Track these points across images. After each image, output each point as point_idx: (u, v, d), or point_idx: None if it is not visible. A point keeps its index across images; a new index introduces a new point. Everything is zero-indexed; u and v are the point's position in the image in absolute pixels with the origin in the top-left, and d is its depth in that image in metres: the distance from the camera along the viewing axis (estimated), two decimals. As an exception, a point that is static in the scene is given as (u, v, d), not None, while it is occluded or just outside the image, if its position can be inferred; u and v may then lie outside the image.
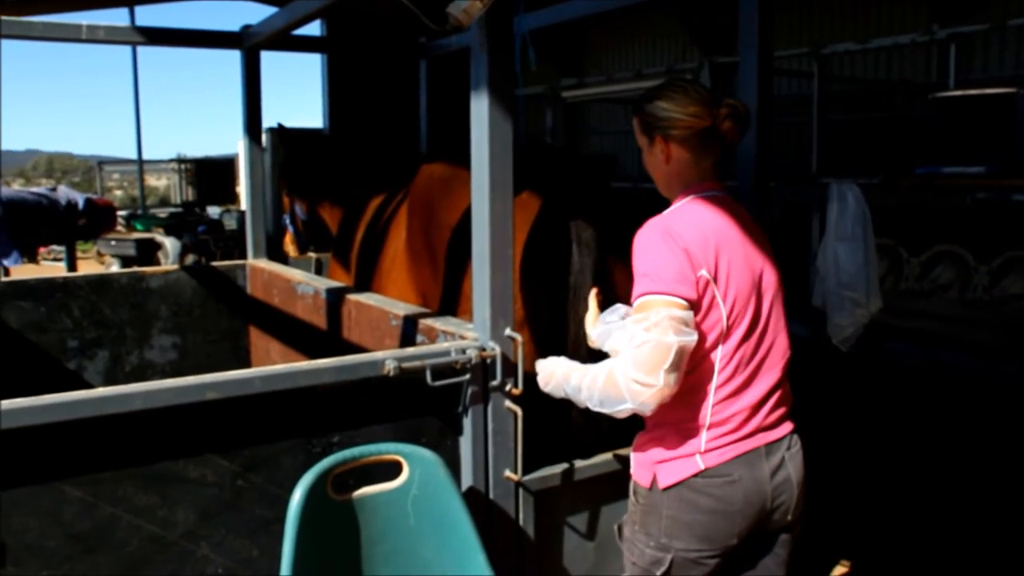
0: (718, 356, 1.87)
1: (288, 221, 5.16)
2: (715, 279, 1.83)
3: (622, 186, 9.38)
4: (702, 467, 1.87)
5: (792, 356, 1.99)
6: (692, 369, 1.86)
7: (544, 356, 2.10)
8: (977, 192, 5.39)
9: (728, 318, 1.84)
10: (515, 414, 2.22)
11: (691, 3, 11.40)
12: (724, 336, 1.85)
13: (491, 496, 2.28)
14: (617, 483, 2.30)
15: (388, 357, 2.07)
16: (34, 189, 11.46)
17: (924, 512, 3.81)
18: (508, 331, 2.20)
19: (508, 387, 2.22)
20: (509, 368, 2.22)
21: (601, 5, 3.33)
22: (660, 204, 2.03)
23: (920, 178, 5.60)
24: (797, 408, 2.02)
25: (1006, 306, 7.04)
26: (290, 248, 5.20)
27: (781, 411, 1.96)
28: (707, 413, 1.87)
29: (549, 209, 2.59)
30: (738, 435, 1.88)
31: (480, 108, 2.16)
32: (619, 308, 2.08)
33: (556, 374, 1.99)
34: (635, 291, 1.83)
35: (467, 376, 2.17)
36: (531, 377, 2.28)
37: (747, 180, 2.69)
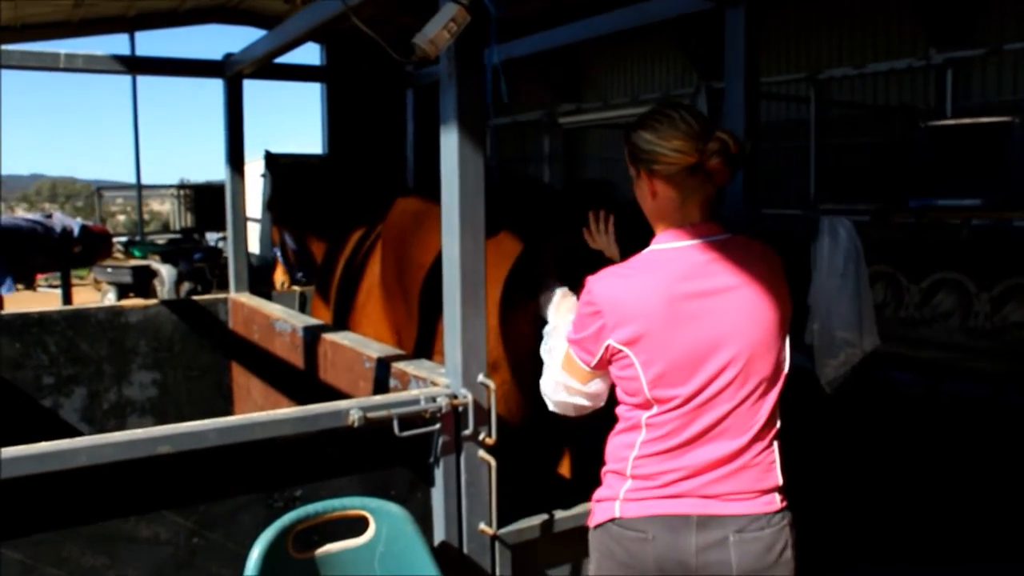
0: (644, 416, 1.76)
1: (279, 252, 5.07)
2: (632, 345, 1.71)
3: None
4: (617, 515, 1.78)
5: (781, 425, 1.82)
6: (621, 417, 1.83)
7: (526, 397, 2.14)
8: (972, 221, 5.31)
9: (650, 386, 1.72)
10: (489, 465, 2.11)
11: (688, 28, 11.37)
12: (648, 403, 1.74)
13: (465, 551, 2.16)
14: (598, 536, 2.19)
15: (353, 407, 1.96)
16: (29, 216, 11.41)
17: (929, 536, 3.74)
18: (481, 377, 2.09)
19: (481, 436, 2.11)
20: (483, 416, 2.10)
21: (580, 34, 3.27)
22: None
23: (913, 212, 5.51)
24: (783, 490, 1.81)
25: (1008, 334, 6.94)
26: (280, 278, 5.09)
27: (741, 487, 1.75)
28: (629, 464, 1.78)
29: (530, 248, 2.48)
30: (662, 493, 1.74)
31: (450, 142, 2.06)
32: None
33: (561, 311, 2.15)
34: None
35: (437, 425, 2.06)
36: (505, 425, 2.18)
37: (735, 211, 2.59)
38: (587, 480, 2.59)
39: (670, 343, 1.70)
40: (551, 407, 1.98)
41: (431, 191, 2.92)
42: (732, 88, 2.58)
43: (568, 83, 14.78)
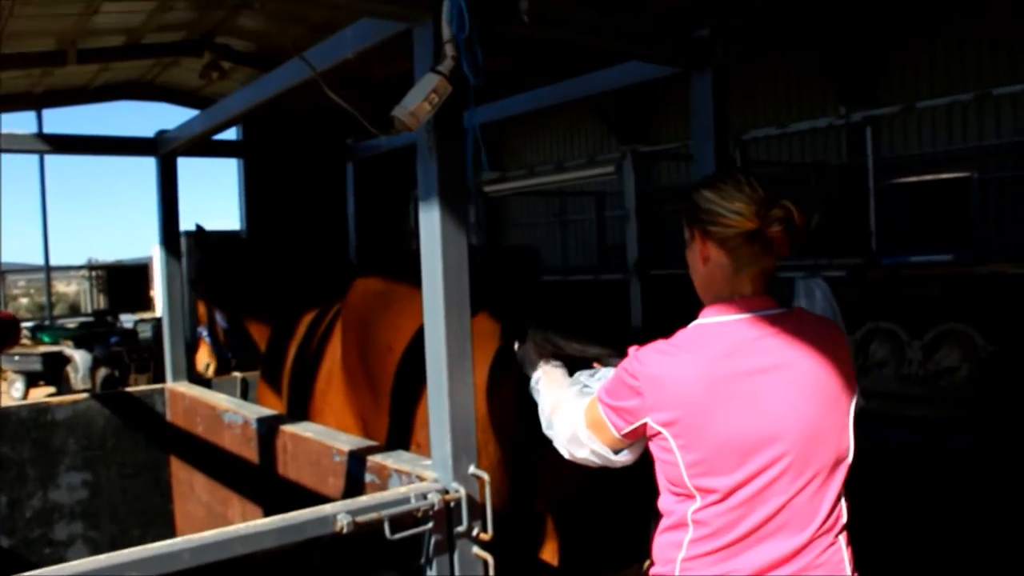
0: (689, 511, 1.58)
1: (206, 333, 4.73)
2: (670, 427, 1.55)
3: (553, 279, 9.29)
4: None
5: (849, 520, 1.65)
6: (666, 512, 1.64)
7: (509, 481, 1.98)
8: (944, 280, 5.38)
9: (690, 474, 1.55)
10: (485, 562, 1.95)
11: (606, 95, 11.59)
12: (690, 494, 1.57)
13: (461, 657, 1.98)
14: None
15: (340, 511, 1.78)
16: (-72, 306, 10.76)
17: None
18: (472, 468, 1.94)
19: (476, 532, 1.95)
20: (476, 510, 1.95)
21: (535, 103, 3.29)
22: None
23: (887, 269, 5.58)
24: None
25: (941, 379, 7.09)
26: (206, 360, 4.72)
27: None
28: (676, 566, 1.59)
29: (508, 327, 2.36)
30: None
31: (431, 219, 1.94)
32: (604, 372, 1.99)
33: (544, 377, 2.03)
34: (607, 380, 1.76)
35: (430, 524, 1.89)
36: (500, 516, 2.03)
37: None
38: (576, 565, 2.45)
39: (711, 426, 1.53)
40: (566, 456, 1.82)
41: (393, 268, 2.79)
42: (701, 151, 2.55)
43: (488, 151, 14.88)
